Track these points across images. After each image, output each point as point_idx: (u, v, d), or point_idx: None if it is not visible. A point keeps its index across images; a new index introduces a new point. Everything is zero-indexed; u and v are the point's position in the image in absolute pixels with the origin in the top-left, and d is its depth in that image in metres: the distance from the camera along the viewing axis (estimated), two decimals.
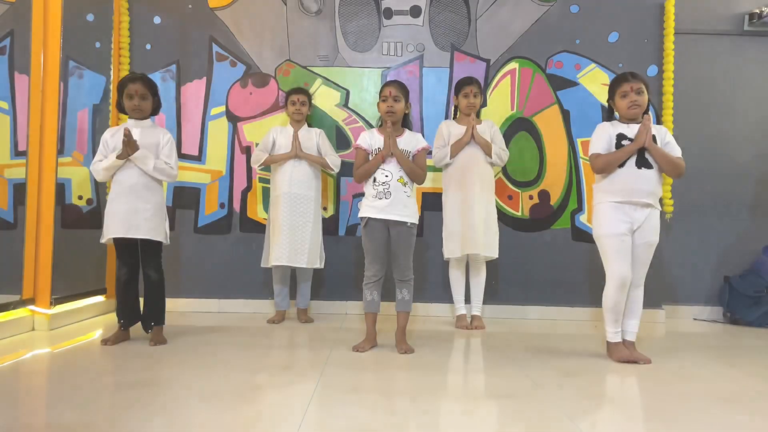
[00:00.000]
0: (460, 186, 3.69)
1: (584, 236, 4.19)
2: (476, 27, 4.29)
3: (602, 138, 2.90)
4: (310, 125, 3.94)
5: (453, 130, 3.75)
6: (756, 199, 4.39)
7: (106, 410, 2.06)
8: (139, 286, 3.18)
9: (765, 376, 2.70)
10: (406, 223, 2.99)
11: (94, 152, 3.97)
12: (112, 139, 3.07)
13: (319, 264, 3.84)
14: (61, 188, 3.66)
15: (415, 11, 4.29)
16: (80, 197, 3.90)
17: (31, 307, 3.41)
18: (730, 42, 4.40)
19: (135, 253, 3.12)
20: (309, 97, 3.90)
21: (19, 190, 3.47)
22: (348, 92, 4.26)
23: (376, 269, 3.03)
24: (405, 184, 3.00)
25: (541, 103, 4.26)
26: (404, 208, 2.99)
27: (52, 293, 3.44)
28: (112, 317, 3.82)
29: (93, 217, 3.99)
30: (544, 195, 4.25)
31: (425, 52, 4.28)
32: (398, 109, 3.02)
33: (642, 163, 2.80)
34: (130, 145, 2.96)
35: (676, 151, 2.85)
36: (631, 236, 2.82)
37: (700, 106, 4.37)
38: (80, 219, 3.90)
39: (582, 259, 4.14)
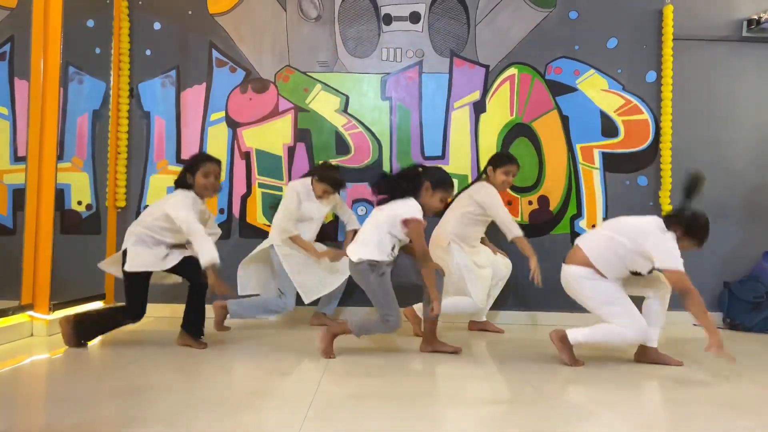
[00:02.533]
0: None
1: None
2: (475, 33, 4.30)
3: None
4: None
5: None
6: (755, 205, 4.39)
7: (105, 416, 2.05)
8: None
9: (765, 382, 2.70)
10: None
11: (93, 157, 3.99)
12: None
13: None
14: (61, 194, 3.66)
15: (414, 17, 4.30)
16: (79, 202, 3.90)
17: (30, 312, 3.40)
18: (729, 48, 4.41)
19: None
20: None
21: (18, 195, 3.48)
22: (347, 98, 4.26)
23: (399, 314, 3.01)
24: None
25: (540, 109, 4.27)
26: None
27: (51, 299, 3.43)
28: None
29: (92, 222, 3.99)
30: (543, 200, 4.25)
31: (424, 57, 4.29)
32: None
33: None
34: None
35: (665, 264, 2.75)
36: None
37: (698, 112, 4.38)
38: (79, 224, 3.90)
39: None
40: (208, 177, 3.11)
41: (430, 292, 3.01)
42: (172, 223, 3.04)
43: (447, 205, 3.58)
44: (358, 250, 2.99)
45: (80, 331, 3.08)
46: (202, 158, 3.17)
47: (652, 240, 2.76)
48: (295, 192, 3.73)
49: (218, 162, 3.19)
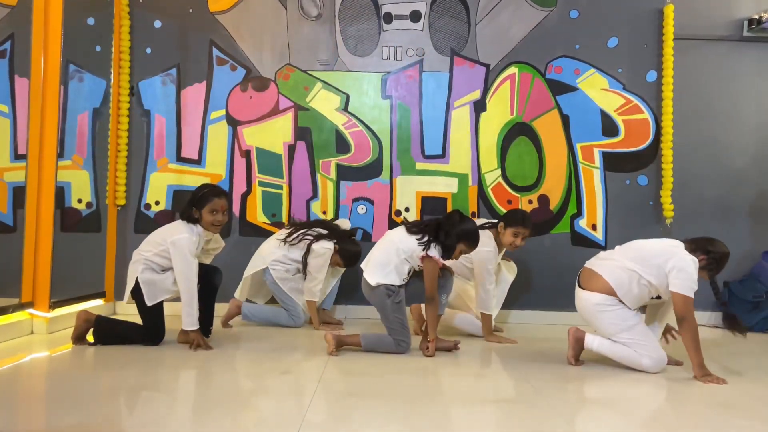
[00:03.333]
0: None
1: (584, 241, 4.20)
2: (476, 32, 4.30)
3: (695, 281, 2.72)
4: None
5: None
6: (755, 205, 4.39)
7: (105, 414, 2.05)
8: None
9: (764, 381, 2.70)
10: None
11: (93, 156, 3.99)
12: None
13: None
14: (61, 191, 3.66)
15: (414, 16, 4.30)
16: (80, 200, 3.90)
17: (30, 310, 3.40)
18: (729, 47, 4.40)
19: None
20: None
21: (18, 193, 3.47)
22: (348, 96, 4.26)
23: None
24: None
25: (541, 108, 4.26)
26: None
27: (51, 296, 3.43)
28: None
29: (92, 220, 3.99)
30: (543, 200, 4.25)
31: (425, 56, 4.28)
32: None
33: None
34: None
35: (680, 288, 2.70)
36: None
37: (699, 111, 4.37)
38: (79, 222, 3.90)
39: (582, 264, 4.13)
40: (216, 214, 3.03)
41: (429, 331, 3.04)
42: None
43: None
44: (376, 273, 3.01)
45: (98, 333, 3.10)
46: (209, 194, 3.04)
47: (674, 262, 2.70)
48: (329, 258, 3.69)
49: (225, 195, 3.11)
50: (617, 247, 2.99)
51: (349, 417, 2.06)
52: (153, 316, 3.09)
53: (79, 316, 3.10)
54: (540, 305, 4.17)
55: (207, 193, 3.06)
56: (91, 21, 4.00)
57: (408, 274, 3.06)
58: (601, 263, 2.92)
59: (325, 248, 3.67)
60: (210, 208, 3.01)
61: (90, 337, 3.14)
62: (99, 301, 3.97)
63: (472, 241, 3.04)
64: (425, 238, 2.99)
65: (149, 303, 3.04)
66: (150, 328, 3.09)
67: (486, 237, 3.41)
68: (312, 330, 3.72)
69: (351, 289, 4.04)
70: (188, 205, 3.06)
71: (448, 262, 3.18)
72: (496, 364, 2.94)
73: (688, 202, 4.30)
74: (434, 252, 2.98)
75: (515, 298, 4.19)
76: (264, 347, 3.20)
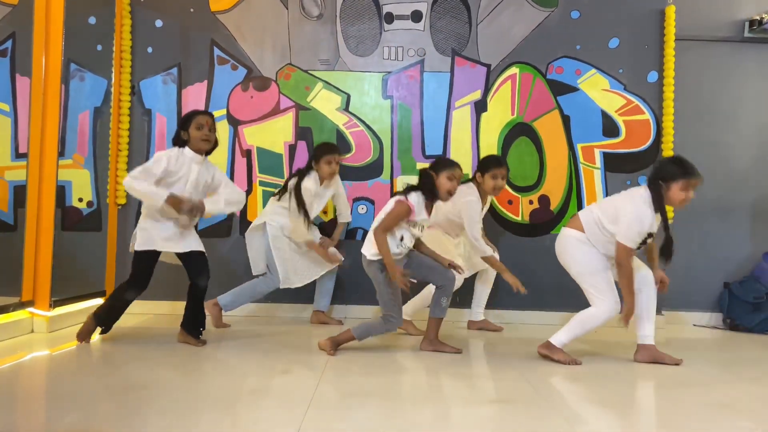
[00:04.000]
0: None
1: None
2: (477, 32, 4.30)
3: (643, 229, 2.86)
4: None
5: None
6: (756, 206, 4.39)
7: (105, 413, 2.05)
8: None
9: (765, 382, 2.70)
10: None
11: (94, 155, 3.99)
12: (173, 165, 3.05)
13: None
14: (62, 190, 3.66)
15: (416, 16, 4.30)
16: (80, 199, 3.90)
17: (31, 309, 3.41)
18: (731, 48, 4.40)
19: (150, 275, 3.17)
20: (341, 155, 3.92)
21: (19, 192, 3.47)
22: (349, 96, 4.26)
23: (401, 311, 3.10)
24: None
25: (542, 109, 4.26)
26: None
27: (52, 295, 3.44)
28: None
29: (93, 219, 3.99)
30: (544, 200, 4.25)
31: (426, 56, 4.28)
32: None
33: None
34: (197, 212, 3.07)
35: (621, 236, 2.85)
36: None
37: (700, 112, 4.37)
38: (80, 221, 3.90)
39: None
40: (202, 129, 3.07)
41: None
42: (165, 187, 3.03)
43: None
44: (370, 247, 3.02)
45: (98, 318, 3.14)
46: (192, 113, 3.14)
47: (624, 213, 2.85)
48: (311, 192, 3.70)
49: (209, 114, 3.17)
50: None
51: (349, 417, 2.06)
52: (141, 264, 3.11)
53: (88, 319, 3.15)
54: (540, 305, 4.16)
55: (190, 113, 3.15)
56: (92, 20, 4.00)
57: (401, 240, 3.00)
58: (585, 209, 3.13)
59: (305, 188, 3.68)
60: (195, 124, 3.06)
61: (94, 336, 3.16)
62: (99, 300, 3.97)
63: (449, 166, 3.06)
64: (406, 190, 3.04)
65: (138, 248, 3.07)
66: (134, 275, 3.12)
67: (467, 188, 3.49)
68: (312, 330, 3.72)
69: (351, 290, 4.05)
70: (176, 131, 3.14)
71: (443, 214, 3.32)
72: (497, 364, 2.94)
73: (689, 203, 4.28)
74: (413, 198, 2.98)
75: (515, 298, 4.19)
76: (264, 347, 3.20)
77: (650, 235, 2.92)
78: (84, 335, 3.12)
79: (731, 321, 4.20)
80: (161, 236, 3.08)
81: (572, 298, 4.19)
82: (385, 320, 3.00)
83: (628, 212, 2.84)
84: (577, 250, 3.00)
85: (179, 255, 3.16)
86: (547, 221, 4.23)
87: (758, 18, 4.29)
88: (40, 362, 2.82)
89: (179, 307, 3.22)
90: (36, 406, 2.21)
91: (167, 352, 2.98)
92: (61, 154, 3.58)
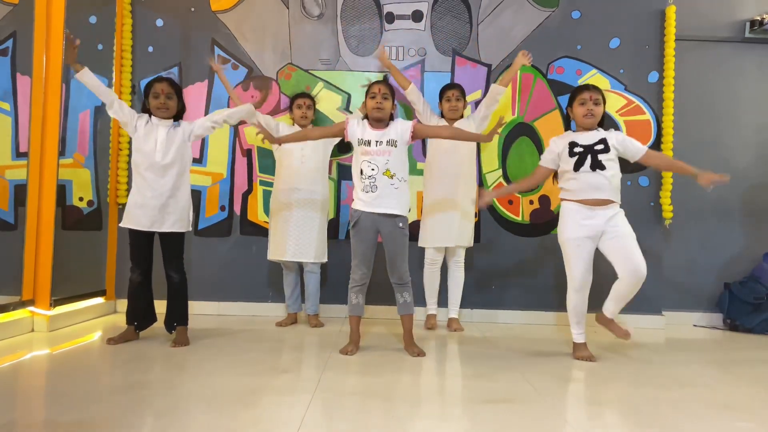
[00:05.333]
0: (440, 180, 3.78)
1: None
2: (478, 32, 4.30)
3: (550, 151, 3.16)
4: None
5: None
6: (756, 206, 4.39)
7: (105, 412, 2.05)
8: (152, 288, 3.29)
9: (765, 383, 2.70)
10: (394, 218, 2.99)
11: (95, 154, 3.99)
12: (141, 127, 3.12)
13: (324, 258, 3.86)
14: (62, 190, 3.66)
15: (416, 16, 4.30)
16: (81, 199, 3.90)
17: (31, 308, 3.41)
18: (731, 49, 4.40)
19: (149, 254, 3.18)
20: (314, 101, 3.92)
21: (20, 191, 3.47)
22: (349, 96, 4.26)
23: (362, 273, 3.06)
24: (392, 176, 2.98)
25: (542, 109, 4.26)
26: (391, 201, 2.98)
27: (52, 294, 3.44)
28: (112, 319, 3.84)
29: (93, 218, 3.99)
30: (544, 200, 4.25)
31: (427, 56, 4.29)
32: (386, 107, 3.05)
33: (596, 165, 2.99)
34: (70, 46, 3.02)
35: (639, 145, 3.09)
36: (595, 241, 3.01)
37: (700, 112, 4.38)
38: (80, 220, 3.90)
39: None
40: (157, 97, 3.09)
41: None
42: (138, 154, 3.10)
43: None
44: (397, 206, 3.03)
45: (134, 323, 3.20)
46: (149, 82, 3.15)
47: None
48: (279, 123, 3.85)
49: (166, 80, 3.14)
50: None
51: (349, 417, 2.06)
52: (131, 245, 3.17)
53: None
54: (541, 305, 4.17)
55: (149, 81, 3.17)
56: (92, 19, 4.00)
57: (362, 180, 3.00)
58: None
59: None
60: (152, 92, 3.11)
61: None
62: (100, 299, 3.98)
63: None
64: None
65: (121, 224, 3.18)
66: (130, 256, 3.19)
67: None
68: (313, 329, 3.72)
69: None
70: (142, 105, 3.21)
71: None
72: (496, 364, 2.94)
73: (689, 203, 4.30)
74: (353, 123, 3.09)
75: (515, 298, 4.20)
76: (264, 346, 3.20)
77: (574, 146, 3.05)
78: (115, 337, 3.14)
79: (731, 321, 4.20)
80: (129, 209, 3.14)
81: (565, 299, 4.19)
82: (409, 286, 3.08)
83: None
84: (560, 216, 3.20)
85: (161, 242, 3.19)
86: (547, 221, 4.23)
87: (759, 18, 4.30)
88: (40, 361, 2.83)
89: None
90: (36, 405, 2.21)
91: (167, 352, 2.98)
92: (62, 153, 3.58)
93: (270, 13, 4.28)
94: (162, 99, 3.10)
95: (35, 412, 2.11)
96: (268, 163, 4.23)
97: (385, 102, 3.02)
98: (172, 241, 3.16)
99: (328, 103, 4.25)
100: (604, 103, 3.11)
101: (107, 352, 2.96)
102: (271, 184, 4.18)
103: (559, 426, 2.02)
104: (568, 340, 3.59)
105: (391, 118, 3.10)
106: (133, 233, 3.13)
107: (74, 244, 3.73)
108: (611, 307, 3.08)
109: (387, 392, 2.38)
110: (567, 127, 4.24)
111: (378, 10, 4.29)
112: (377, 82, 3.13)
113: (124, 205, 4.13)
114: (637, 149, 3.07)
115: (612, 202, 3.00)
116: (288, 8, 4.29)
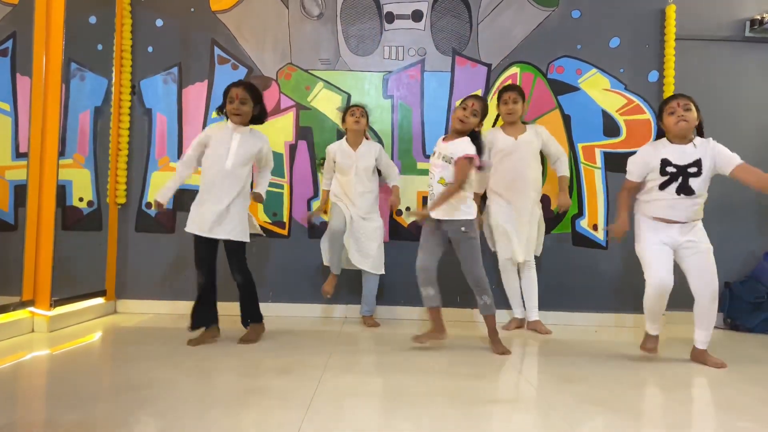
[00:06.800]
0: (507, 191, 3.81)
1: (585, 241, 4.19)
2: (477, 31, 4.29)
3: (637, 163, 3.01)
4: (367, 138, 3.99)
5: (498, 135, 3.86)
6: (757, 205, 4.39)
7: (106, 412, 2.05)
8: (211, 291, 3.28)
9: (766, 383, 2.70)
10: (453, 222, 3.08)
11: (95, 154, 3.99)
12: (215, 134, 3.19)
13: (382, 270, 3.90)
14: (62, 190, 3.66)
15: (416, 15, 4.30)
16: (81, 199, 3.90)
17: (31, 308, 3.41)
18: (731, 48, 4.40)
19: (211, 257, 3.19)
20: (367, 112, 3.94)
21: (20, 191, 3.47)
22: (349, 96, 4.26)
23: (420, 259, 3.18)
24: (446, 185, 3.09)
25: (542, 108, 4.26)
26: (445, 207, 3.08)
27: (52, 295, 3.44)
28: (112, 319, 3.85)
29: (93, 219, 3.99)
30: (545, 200, 4.24)
31: (426, 56, 4.28)
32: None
33: (682, 189, 2.93)
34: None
35: (735, 158, 3.01)
36: (672, 248, 2.97)
37: (700, 111, 4.36)
38: (81, 221, 3.90)
39: (583, 265, 4.14)
40: (233, 103, 3.13)
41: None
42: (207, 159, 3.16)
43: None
44: (449, 211, 3.12)
45: (199, 319, 3.19)
46: (228, 86, 3.20)
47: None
48: (328, 151, 3.93)
49: (241, 84, 3.19)
50: None
51: (349, 417, 2.06)
52: (195, 249, 3.18)
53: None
54: (541, 305, 4.15)
55: (228, 85, 3.21)
56: (92, 19, 4.00)
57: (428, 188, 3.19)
58: None
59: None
60: (228, 96, 3.16)
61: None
62: (100, 300, 3.98)
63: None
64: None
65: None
66: (195, 262, 3.20)
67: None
68: (313, 329, 3.72)
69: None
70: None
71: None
72: (497, 364, 2.94)
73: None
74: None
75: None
76: (264, 346, 3.20)
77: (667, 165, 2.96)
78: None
79: (732, 321, 4.19)
80: (197, 220, 3.14)
81: (572, 299, 4.20)
82: (485, 288, 3.15)
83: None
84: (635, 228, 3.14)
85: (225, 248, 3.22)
86: (547, 221, 4.22)
87: (759, 18, 4.29)
88: (40, 362, 2.82)
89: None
90: (36, 406, 2.21)
91: (168, 352, 2.98)
92: (62, 153, 3.58)
93: (270, 14, 4.28)
94: (236, 104, 3.13)
95: (36, 413, 2.11)
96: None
97: (473, 119, 3.13)
98: (231, 246, 3.20)
99: (327, 103, 4.25)
100: (698, 110, 2.98)
101: (108, 352, 2.96)
102: (271, 184, 4.17)
103: (560, 426, 2.01)
104: (569, 340, 3.60)
105: (468, 133, 3.14)
106: (195, 238, 3.16)
107: (74, 245, 3.73)
108: (701, 337, 3.03)
109: (388, 393, 2.37)
110: (567, 128, 4.25)
111: (378, 10, 4.29)
112: (471, 97, 3.16)
113: (123, 205, 4.15)
114: (726, 162, 2.95)
115: (693, 221, 2.99)
116: (288, 8, 4.29)
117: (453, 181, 3.04)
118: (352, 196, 3.80)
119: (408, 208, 4.18)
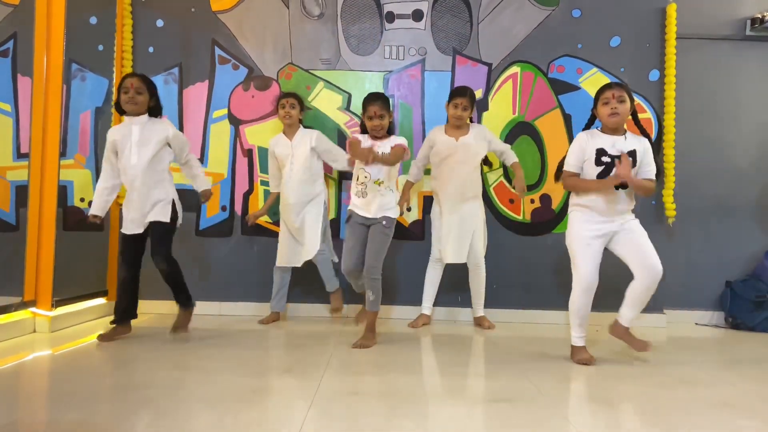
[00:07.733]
0: (443, 191, 3.81)
1: None
2: (478, 31, 4.29)
3: (575, 153, 2.98)
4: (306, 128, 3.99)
5: (439, 137, 3.82)
6: (758, 204, 4.39)
7: (107, 412, 2.06)
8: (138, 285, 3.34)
9: (765, 382, 2.69)
10: (380, 221, 3.23)
11: (96, 154, 3.99)
12: (117, 133, 3.23)
13: (329, 254, 3.95)
14: (63, 190, 3.66)
15: (417, 15, 4.30)
16: (82, 199, 3.90)
17: (33, 309, 3.41)
18: (732, 47, 4.40)
19: (138, 252, 3.25)
20: (299, 99, 3.93)
21: (21, 192, 3.48)
22: (350, 96, 4.26)
23: (346, 263, 3.29)
24: (380, 184, 3.24)
25: (543, 108, 4.26)
26: (378, 208, 3.24)
27: (54, 295, 3.45)
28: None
29: None
30: (545, 199, 4.25)
31: (427, 55, 4.28)
32: (383, 125, 3.27)
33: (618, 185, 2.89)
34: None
35: (651, 171, 2.95)
36: (605, 240, 2.95)
37: (701, 110, 4.37)
38: (82, 221, 3.90)
39: None
40: (127, 92, 3.14)
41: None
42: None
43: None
44: (384, 209, 3.30)
45: (122, 318, 3.24)
46: (121, 80, 3.22)
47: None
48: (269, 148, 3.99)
49: (136, 76, 3.21)
50: None
51: (350, 416, 2.06)
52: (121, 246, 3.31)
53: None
54: (541, 305, 4.16)
55: (121, 78, 3.25)
56: (93, 20, 4.00)
57: (356, 185, 3.30)
58: None
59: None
60: (123, 87, 3.17)
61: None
62: (101, 300, 3.98)
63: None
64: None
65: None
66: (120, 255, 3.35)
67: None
68: (313, 329, 3.72)
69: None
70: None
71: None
72: (498, 363, 2.94)
73: (691, 202, 4.29)
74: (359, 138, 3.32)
75: (516, 298, 4.19)
76: (265, 346, 3.21)
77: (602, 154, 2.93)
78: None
79: (733, 320, 4.19)
80: (126, 219, 3.25)
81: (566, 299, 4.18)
82: (376, 284, 3.20)
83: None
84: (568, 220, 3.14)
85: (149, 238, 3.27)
86: (548, 220, 4.23)
87: (759, 16, 4.29)
88: (41, 362, 2.83)
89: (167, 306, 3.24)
90: (37, 406, 2.21)
91: (168, 352, 2.98)
92: (63, 154, 3.58)
93: (270, 13, 4.28)
94: (131, 93, 3.16)
95: (37, 413, 2.12)
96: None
97: (381, 122, 3.25)
98: (155, 231, 3.25)
99: (328, 102, 4.25)
100: (631, 101, 2.93)
101: (108, 352, 2.96)
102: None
103: (561, 426, 2.01)
104: (567, 338, 3.59)
105: (390, 132, 3.34)
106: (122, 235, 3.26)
107: (76, 245, 3.74)
108: (628, 313, 2.97)
109: (388, 391, 2.38)
110: (568, 127, 4.25)
111: (378, 10, 4.29)
112: (371, 102, 3.25)
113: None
114: (646, 172, 2.94)
115: (626, 212, 2.96)
116: (288, 8, 4.29)
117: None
118: (293, 185, 3.82)
119: (409, 209, 4.18)
